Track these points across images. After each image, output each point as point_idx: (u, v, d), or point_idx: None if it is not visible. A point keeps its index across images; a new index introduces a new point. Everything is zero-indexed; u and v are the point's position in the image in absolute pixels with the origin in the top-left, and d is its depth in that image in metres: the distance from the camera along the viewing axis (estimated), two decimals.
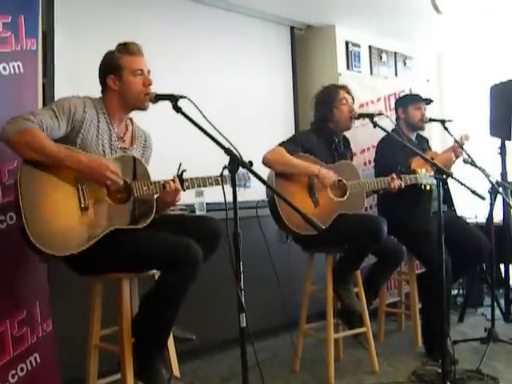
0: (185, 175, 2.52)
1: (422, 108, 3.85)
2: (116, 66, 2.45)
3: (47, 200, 2.22)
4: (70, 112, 2.32)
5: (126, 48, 2.46)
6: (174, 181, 2.47)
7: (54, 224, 2.21)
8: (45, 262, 2.63)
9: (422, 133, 4.03)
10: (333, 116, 3.40)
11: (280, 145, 3.26)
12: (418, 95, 3.98)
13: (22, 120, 2.17)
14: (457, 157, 3.72)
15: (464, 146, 3.65)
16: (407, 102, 3.92)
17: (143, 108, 2.50)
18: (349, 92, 3.46)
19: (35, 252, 2.21)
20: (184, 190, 2.53)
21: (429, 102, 3.92)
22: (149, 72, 2.49)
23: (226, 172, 2.03)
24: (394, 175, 3.35)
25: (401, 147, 3.49)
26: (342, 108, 3.39)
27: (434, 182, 2.87)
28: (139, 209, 2.45)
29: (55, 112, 2.28)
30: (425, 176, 3.33)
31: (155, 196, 2.53)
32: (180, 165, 2.52)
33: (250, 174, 2.43)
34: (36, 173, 2.21)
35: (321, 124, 3.45)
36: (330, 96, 3.45)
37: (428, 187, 3.28)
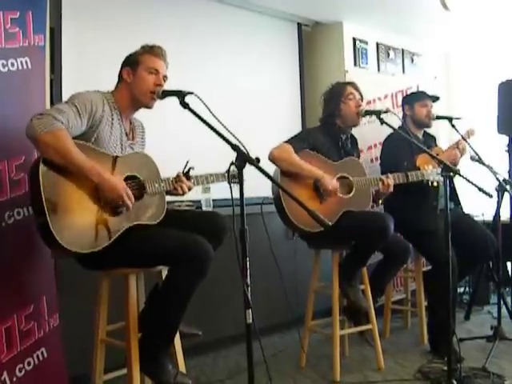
0: (192, 172, 2.54)
1: (428, 105, 3.83)
2: (135, 61, 2.51)
3: (68, 198, 2.22)
4: (92, 110, 2.34)
5: (150, 48, 2.53)
6: (178, 176, 2.50)
7: (76, 222, 2.21)
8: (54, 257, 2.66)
9: (429, 131, 4.02)
10: (340, 111, 3.40)
11: (286, 142, 3.26)
12: (423, 92, 3.97)
13: (51, 119, 2.16)
14: (461, 154, 3.71)
15: (470, 143, 3.63)
16: (413, 99, 3.91)
17: (148, 106, 2.54)
18: (356, 88, 3.46)
19: (56, 249, 2.22)
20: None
21: (435, 99, 3.90)
22: (165, 78, 2.53)
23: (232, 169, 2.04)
24: (389, 175, 3.33)
25: (407, 144, 3.50)
26: (349, 103, 3.39)
27: (441, 178, 2.86)
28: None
29: (78, 110, 2.28)
30: (432, 172, 3.31)
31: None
32: (187, 162, 2.53)
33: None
34: (56, 170, 2.20)
35: (328, 119, 3.45)
36: (337, 91, 3.45)
37: (435, 184, 3.27)
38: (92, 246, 2.23)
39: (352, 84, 3.50)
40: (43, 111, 2.23)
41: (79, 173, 2.21)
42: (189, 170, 2.54)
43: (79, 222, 2.23)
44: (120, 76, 2.54)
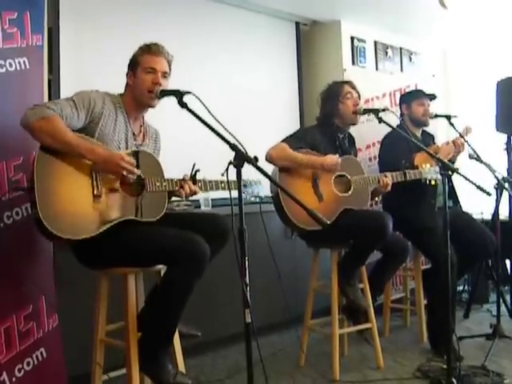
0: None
1: (425, 104, 3.84)
2: (135, 63, 2.54)
3: (61, 186, 2.25)
4: (90, 105, 2.38)
5: (147, 47, 2.55)
6: (184, 179, 2.50)
7: (66, 209, 2.24)
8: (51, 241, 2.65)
9: (427, 130, 4.02)
10: (338, 110, 3.41)
11: (283, 141, 3.26)
12: (421, 91, 3.97)
13: (43, 108, 2.24)
14: (458, 152, 3.71)
15: (468, 140, 3.63)
16: (410, 98, 3.91)
17: (150, 105, 2.57)
18: (354, 87, 3.46)
19: (47, 236, 2.24)
20: None
21: (432, 97, 3.90)
22: (164, 73, 2.54)
23: (231, 171, 2.04)
24: (387, 173, 3.34)
25: (405, 143, 3.49)
26: (346, 102, 3.40)
27: (439, 176, 2.87)
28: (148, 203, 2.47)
29: (75, 103, 2.34)
30: (430, 171, 3.31)
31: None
32: (194, 165, 2.53)
33: (259, 187, 2.48)
34: (51, 159, 2.25)
35: (326, 119, 3.45)
36: (334, 91, 3.46)
37: (433, 182, 3.27)
38: (80, 233, 2.24)
39: (349, 83, 3.50)
40: (38, 103, 2.30)
41: (73, 152, 2.25)
42: (195, 173, 2.54)
43: (70, 207, 2.25)
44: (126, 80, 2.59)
